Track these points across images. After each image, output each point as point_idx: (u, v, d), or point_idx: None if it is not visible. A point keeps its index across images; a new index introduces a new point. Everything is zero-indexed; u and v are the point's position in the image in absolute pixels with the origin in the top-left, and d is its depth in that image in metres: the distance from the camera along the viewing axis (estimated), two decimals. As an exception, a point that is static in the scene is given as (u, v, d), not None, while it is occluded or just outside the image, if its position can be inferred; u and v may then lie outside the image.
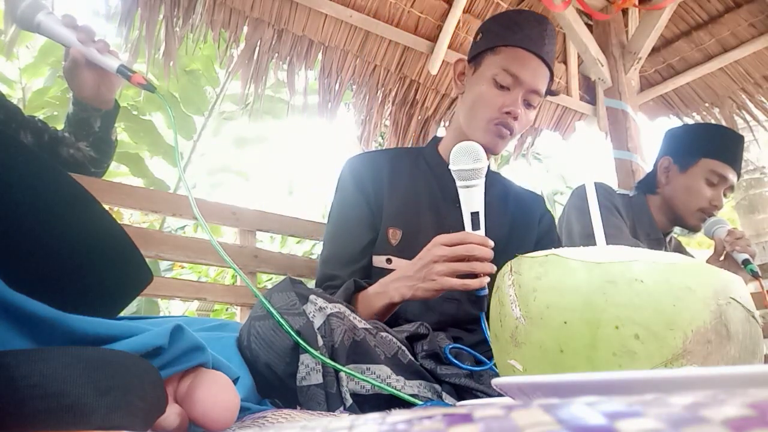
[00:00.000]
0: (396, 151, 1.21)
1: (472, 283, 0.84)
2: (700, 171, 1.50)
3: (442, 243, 0.86)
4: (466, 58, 1.15)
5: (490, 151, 1.08)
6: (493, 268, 0.84)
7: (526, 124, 1.09)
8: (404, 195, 1.10)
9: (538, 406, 0.16)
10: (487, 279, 0.85)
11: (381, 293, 0.90)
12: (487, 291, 0.86)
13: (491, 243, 0.86)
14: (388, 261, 1.06)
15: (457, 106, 1.17)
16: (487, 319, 0.68)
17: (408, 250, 1.05)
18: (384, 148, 1.24)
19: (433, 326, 0.91)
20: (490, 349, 0.96)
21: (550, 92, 1.13)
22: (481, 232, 0.87)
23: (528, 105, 1.07)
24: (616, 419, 0.14)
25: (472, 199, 0.88)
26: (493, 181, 1.21)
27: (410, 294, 0.87)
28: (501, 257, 1.10)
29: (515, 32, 1.07)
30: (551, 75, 1.10)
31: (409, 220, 1.08)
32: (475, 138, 1.05)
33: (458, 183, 0.88)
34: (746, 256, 1.41)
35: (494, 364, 0.85)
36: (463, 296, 1.02)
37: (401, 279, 0.89)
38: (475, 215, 0.87)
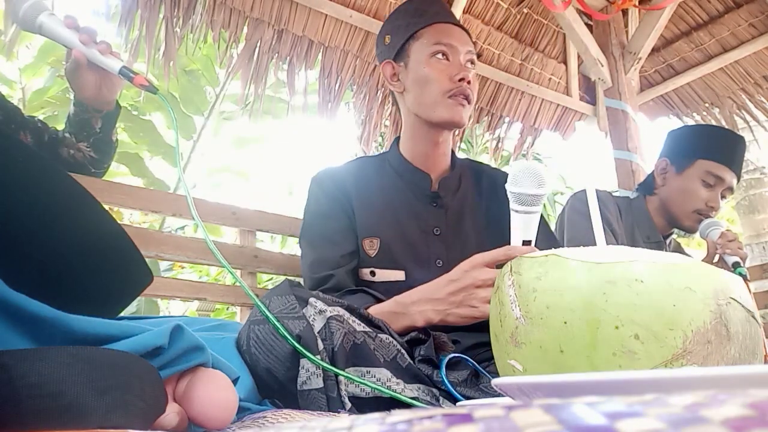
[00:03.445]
0: (360, 161, 1.19)
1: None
2: (696, 172, 1.49)
3: (484, 264, 0.79)
4: (388, 58, 1.14)
5: (456, 125, 1.07)
6: None
7: (476, 88, 1.11)
8: (375, 203, 1.08)
9: (538, 406, 0.16)
10: None
11: (400, 314, 0.85)
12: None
13: None
14: (372, 273, 1.04)
15: (402, 105, 1.16)
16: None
17: (389, 259, 1.04)
18: (349, 160, 1.22)
19: (431, 327, 0.90)
20: (488, 350, 0.96)
21: None
22: None
23: (470, 63, 1.10)
24: (616, 419, 0.14)
25: (527, 227, 0.79)
26: (465, 170, 1.19)
27: (438, 319, 0.82)
28: (487, 243, 1.08)
29: (423, 14, 1.11)
30: (470, 37, 1.13)
31: (385, 227, 1.06)
32: (439, 116, 1.06)
33: (513, 206, 0.79)
34: (737, 259, 1.41)
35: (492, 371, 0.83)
36: None
37: (427, 301, 0.83)
38: (526, 244, 0.79)
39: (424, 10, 1.12)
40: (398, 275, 1.04)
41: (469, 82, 1.06)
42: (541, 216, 1.18)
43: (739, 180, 1.53)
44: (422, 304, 0.84)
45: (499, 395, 0.67)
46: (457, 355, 0.85)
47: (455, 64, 1.07)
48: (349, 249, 1.04)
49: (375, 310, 0.87)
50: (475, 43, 1.15)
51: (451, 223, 1.10)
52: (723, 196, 1.51)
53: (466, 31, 1.13)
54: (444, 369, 0.78)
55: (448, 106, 1.06)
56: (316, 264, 1.03)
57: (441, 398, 0.76)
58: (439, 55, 1.07)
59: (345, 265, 1.02)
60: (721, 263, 1.43)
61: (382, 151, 1.24)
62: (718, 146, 1.51)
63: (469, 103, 1.07)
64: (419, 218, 1.09)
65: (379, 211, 1.08)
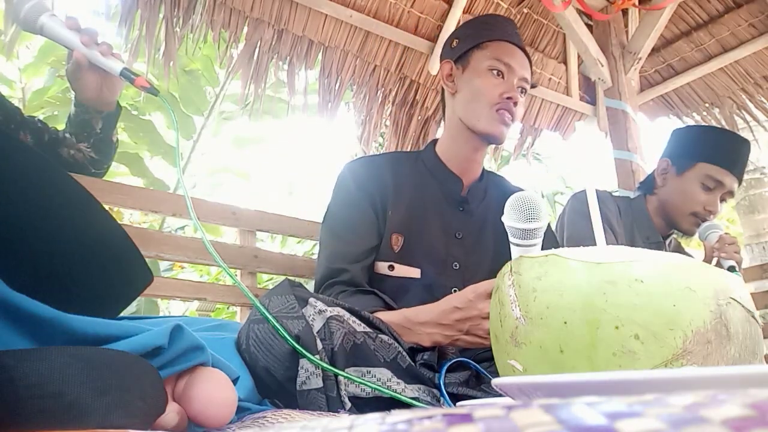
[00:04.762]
0: (395, 155, 1.21)
1: None
2: (696, 175, 1.47)
3: (488, 295, 0.81)
4: (450, 59, 1.18)
5: (496, 140, 1.11)
6: None
7: (521, 113, 1.14)
8: (409, 201, 1.10)
9: (538, 406, 0.16)
10: None
11: (406, 329, 0.86)
12: None
13: None
14: (391, 268, 1.05)
15: (449, 106, 1.19)
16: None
17: (409, 256, 1.06)
18: (381, 152, 1.24)
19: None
20: (488, 350, 0.96)
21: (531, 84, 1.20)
22: None
23: (522, 91, 1.13)
24: (616, 419, 0.14)
25: None
26: (491, 182, 1.22)
27: (446, 342, 0.85)
28: (503, 253, 1.11)
29: (494, 30, 1.15)
30: (531, 67, 1.18)
31: (412, 226, 1.08)
32: (481, 127, 1.09)
33: (510, 238, 0.79)
34: (732, 263, 1.40)
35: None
36: None
37: (434, 325, 0.85)
38: None
39: (497, 26, 1.17)
40: (414, 272, 1.06)
41: (515, 104, 1.09)
42: (553, 235, 1.18)
43: (740, 184, 1.50)
44: (430, 327, 0.86)
45: (499, 395, 0.67)
46: (458, 359, 0.85)
47: (508, 83, 1.10)
48: (370, 244, 1.05)
49: (386, 318, 0.87)
50: (533, 73, 1.18)
51: (473, 229, 1.13)
52: (723, 200, 1.49)
53: (530, 59, 1.16)
54: (443, 375, 0.78)
55: (492, 120, 1.09)
56: (335, 256, 1.04)
57: (441, 399, 0.76)
58: (496, 71, 1.10)
59: (362, 260, 1.04)
60: (718, 266, 1.42)
61: (416, 150, 1.26)
62: (721, 149, 1.48)
63: (512, 121, 1.11)
64: (444, 220, 1.12)
65: (410, 208, 1.10)
